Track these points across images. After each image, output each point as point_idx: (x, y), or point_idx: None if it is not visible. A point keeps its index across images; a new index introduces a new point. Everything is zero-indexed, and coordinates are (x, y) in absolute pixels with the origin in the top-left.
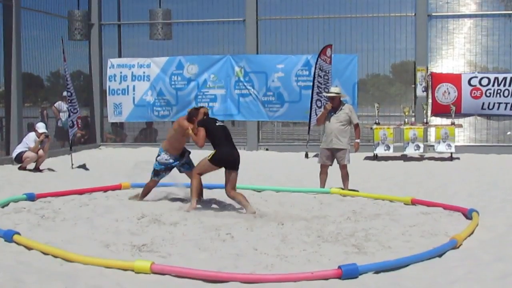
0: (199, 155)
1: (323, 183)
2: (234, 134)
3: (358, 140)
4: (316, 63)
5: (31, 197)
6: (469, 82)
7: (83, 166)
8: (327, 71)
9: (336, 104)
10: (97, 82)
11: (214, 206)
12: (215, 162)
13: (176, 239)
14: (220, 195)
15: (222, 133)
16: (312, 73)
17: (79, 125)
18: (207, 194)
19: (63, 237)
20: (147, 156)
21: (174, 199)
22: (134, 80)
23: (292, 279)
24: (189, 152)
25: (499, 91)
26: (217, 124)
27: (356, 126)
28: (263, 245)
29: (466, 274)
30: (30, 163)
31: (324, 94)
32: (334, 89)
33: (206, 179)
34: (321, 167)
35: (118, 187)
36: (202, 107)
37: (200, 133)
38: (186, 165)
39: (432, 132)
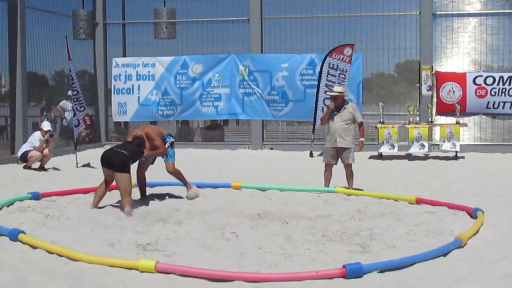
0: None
1: (327, 182)
2: (238, 133)
3: (362, 139)
4: (323, 62)
5: (36, 196)
6: (474, 81)
7: (87, 165)
8: (345, 70)
9: (339, 103)
10: (101, 81)
11: (218, 205)
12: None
13: (180, 238)
14: (224, 194)
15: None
16: (317, 72)
17: (87, 123)
18: (212, 193)
19: (68, 236)
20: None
21: (179, 198)
22: (139, 79)
23: (297, 278)
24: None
25: (504, 90)
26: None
27: (360, 124)
28: (267, 244)
29: (471, 273)
30: (35, 162)
31: (328, 93)
32: (337, 88)
33: (212, 179)
34: (325, 166)
35: None
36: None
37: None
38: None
39: (437, 131)
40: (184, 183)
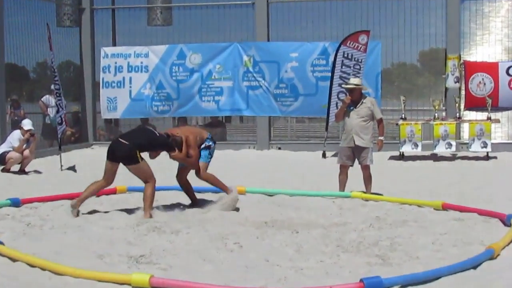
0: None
1: (342, 186)
2: (242, 132)
3: (382, 138)
4: (337, 51)
5: (15, 203)
6: (507, 71)
7: (73, 168)
8: (360, 60)
9: (356, 97)
10: (88, 74)
11: (220, 212)
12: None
13: (178, 249)
14: None
15: None
16: (331, 63)
17: (67, 122)
18: (213, 198)
19: (51, 247)
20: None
21: (176, 205)
22: (130, 71)
23: None
24: None
25: None
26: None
27: (380, 121)
28: (275, 255)
29: (505, 287)
30: (15, 164)
31: (343, 86)
32: (353, 80)
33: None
34: (340, 168)
35: (112, 191)
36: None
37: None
38: None
39: (465, 128)
40: (222, 188)
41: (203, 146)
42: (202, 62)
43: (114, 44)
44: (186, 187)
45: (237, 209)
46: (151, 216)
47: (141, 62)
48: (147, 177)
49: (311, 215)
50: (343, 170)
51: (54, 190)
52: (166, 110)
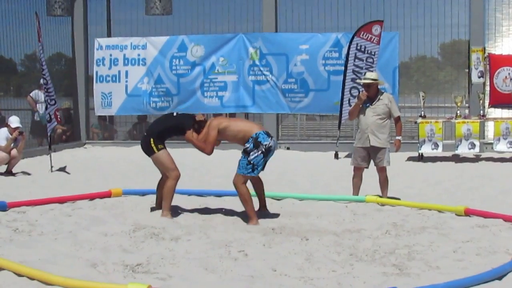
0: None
1: (356, 190)
2: None
3: (399, 137)
4: (350, 43)
5: (2, 207)
6: None
7: (64, 169)
8: (373, 53)
9: (372, 93)
10: (81, 67)
11: (223, 217)
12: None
13: (177, 258)
14: (231, 204)
15: None
16: (344, 56)
17: (59, 119)
18: (215, 202)
19: (40, 255)
20: (143, 156)
21: (175, 209)
22: (126, 64)
23: None
24: None
25: None
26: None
27: (397, 120)
28: (283, 264)
29: None
30: (1, 165)
31: (358, 81)
32: (370, 75)
33: (215, 185)
34: (354, 170)
35: (107, 195)
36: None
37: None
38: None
39: (490, 127)
40: (249, 213)
41: (248, 145)
42: (204, 54)
43: (109, 35)
44: (257, 189)
45: (242, 215)
46: (170, 216)
47: (138, 55)
48: (166, 170)
49: (322, 221)
50: (358, 173)
51: (43, 193)
52: (165, 107)
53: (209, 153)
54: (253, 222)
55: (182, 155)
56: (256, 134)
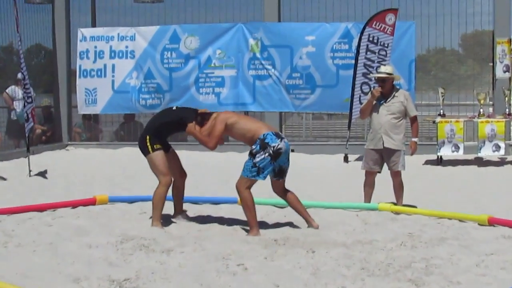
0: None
1: (368, 197)
2: None
3: (415, 139)
4: (361, 34)
5: None
6: None
7: (44, 173)
8: (387, 45)
9: (387, 89)
10: (63, 61)
11: (220, 227)
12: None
13: (169, 272)
14: (228, 212)
15: None
16: (354, 48)
17: (35, 120)
18: (212, 210)
19: (18, 268)
20: (130, 159)
21: (167, 218)
22: (113, 57)
23: None
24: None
25: None
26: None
27: (414, 120)
28: (287, 280)
29: None
30: None
31: (372, 75)
32: (385, 68)
33: (212, 191)
34: (366, 174)
35: (91, 202)
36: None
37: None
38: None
39: None
40: (250, 223)
41: (255, 147)
42: (199, 46)
43: (94, 25)
44: (290, 201)
45: (241, 224)
46: (161, 226)
47: (126, 47)
48: (158, 173)
49: (330, 232)
50: (369, 178)
51: (20, 200)
52: (155, 105)
53: (213, 147)
54: (254, 233)
55: None
56: (263, 135)
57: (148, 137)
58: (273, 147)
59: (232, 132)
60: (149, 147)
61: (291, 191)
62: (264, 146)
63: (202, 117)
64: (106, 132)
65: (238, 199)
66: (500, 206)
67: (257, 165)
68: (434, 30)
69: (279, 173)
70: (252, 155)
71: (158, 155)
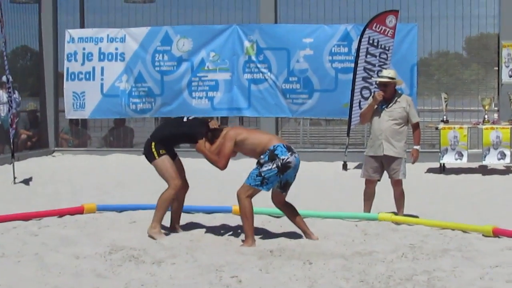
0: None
1: (368, 206)
2: None
3: (417, 147)
4: (361, 36)
5: None
6: None
7: (29, 180)
8: (387, 48)
9: (389, 94)
10: (50, 63)
11: (213, 237)
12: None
13: (160, 284)
14: (222, 222)
15: None
16: (354, 51)
17: (15, 126)
18: (205, 220)
19: (1, 280)
20: (120, 166)
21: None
22: (102, 59)
23: None
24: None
25: None
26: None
27: (416, 126)
28: None
29: None
30: None
31: (374, 79)
32: (387, 72)
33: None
34: (365, 183)
35: (79, 211)
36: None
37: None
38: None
39: None
40: (246, 233)
41: (263, 157)
42: (192, 48)
43: (82, 26)
44: (290, 216)
45: (235, 234)
46: (159, 231)
47: (116, 49)
48: (167, 177)
49: (328, 242)
50: (370, 186)
51: (5, 208)
52: (146, 109)
53: (223, 167)
54: (249, 243)
55: None
56: (274, 146)
57: (153, 143)
58: (282, 159)
59: (242, 148)
60: (155, 153)
61: (289, 203)
62: (273, 157)
63: (213, 133)
64: (94, 138)
65: (233, 208)
66: (505, 216)
67: (262, 174)
68: (437, 32)
69: (284, 187)
70: (260, 164)
71: (165, 160)
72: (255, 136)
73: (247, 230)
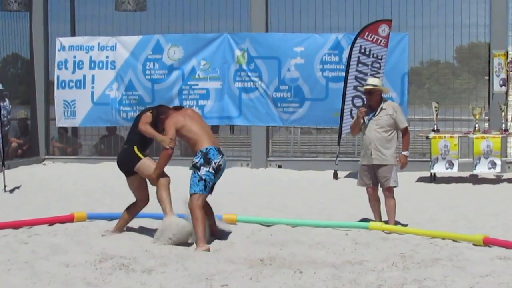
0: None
1: (377, 212)
2: (233, 145)
3: (406, 153)
4: (353, 45)
5: None
6: None
7: (19, 189)
8: (380, 57)
9: (375, 102)
10: (40, 71)
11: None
12: None
13: None
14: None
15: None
16: (345, 60)
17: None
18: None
19: None
20: (111, 174)
21: (149, 235)
22: (93, 68)
23: None
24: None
25: None
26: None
27: (405, 131)
28: None
29: None
30: None
31: (358, 88)
32: (371, 80)
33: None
34: (367, 191)
35: (69, 219)
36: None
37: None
38: None
39: None
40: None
41: (198, 160)
42: (183, 57)
43: (73, 34)
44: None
45: (226, 242)
46: (174, 215)
47: (107, 57)
48: (154, 174)
49: (318, 251)
50: (372, 193)
51: None
52: None
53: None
54: (201, 245)
55: None
56: (206, 148)
57: (135, 147)
58: (215, 162)
59: (181, 134)
60: (139, 154)
61: (207, 202)
62: (207, 160)
63: (158, 111)
64: (85, 146)
65: (223, 216)
66: (496, 225)
67: (203, 178)
68: (428, 42)
69: (211, 191)
70: (197, 168)
71: (149, 159)
72: (191, 127)
73: (200, 233)
